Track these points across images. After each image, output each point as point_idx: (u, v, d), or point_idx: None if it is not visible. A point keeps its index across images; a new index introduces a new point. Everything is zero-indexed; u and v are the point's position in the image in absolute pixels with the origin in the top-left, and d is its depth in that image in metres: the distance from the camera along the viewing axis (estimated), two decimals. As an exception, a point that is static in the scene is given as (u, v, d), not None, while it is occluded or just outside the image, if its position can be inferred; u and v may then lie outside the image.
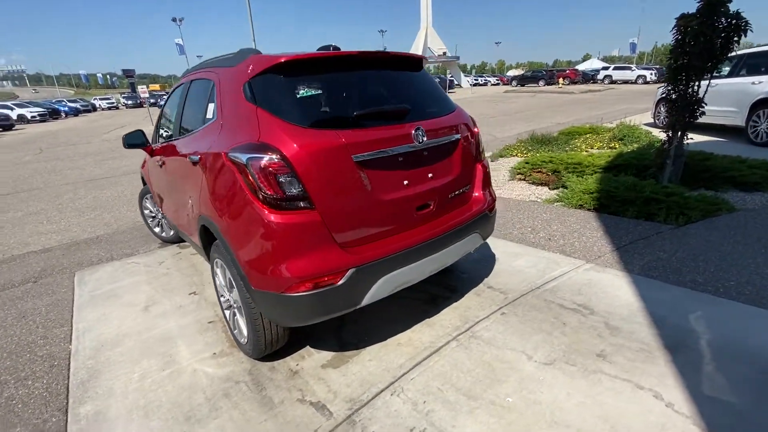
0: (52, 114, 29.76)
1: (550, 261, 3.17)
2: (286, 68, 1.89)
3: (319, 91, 1.93)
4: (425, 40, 48.86)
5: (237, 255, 1.86)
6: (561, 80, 33.96)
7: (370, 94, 2.14)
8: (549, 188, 5.40)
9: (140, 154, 4.00)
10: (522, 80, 38.99)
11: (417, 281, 2.11)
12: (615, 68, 35.66)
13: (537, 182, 5.62)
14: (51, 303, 3.15)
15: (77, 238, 4.64)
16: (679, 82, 4.39)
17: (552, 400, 1.79)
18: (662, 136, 4.76)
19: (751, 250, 3.06)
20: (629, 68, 34.54)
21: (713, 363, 1.93)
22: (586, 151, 7.06)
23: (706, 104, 4.42)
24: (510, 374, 1.98)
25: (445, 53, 47.78)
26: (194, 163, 2.24)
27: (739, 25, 3.89)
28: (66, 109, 33.31)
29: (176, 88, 3.19)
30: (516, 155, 7.37)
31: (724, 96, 7.28)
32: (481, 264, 3.20)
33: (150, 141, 3.45)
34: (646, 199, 4.04)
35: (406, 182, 2.00)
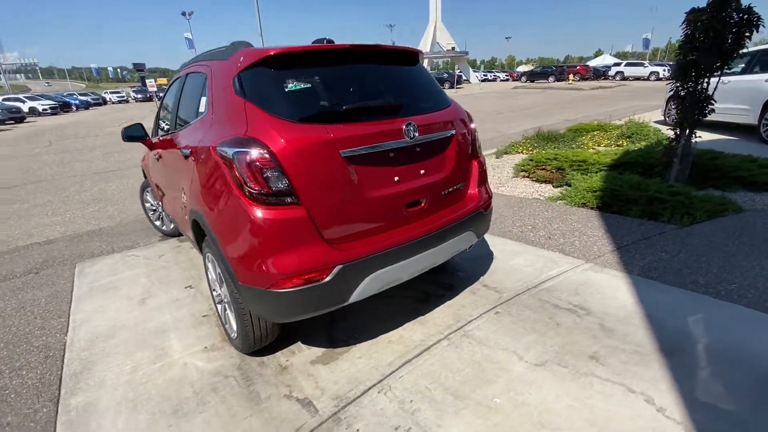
0: (63, 107, 30.12)
1: (548, 260, 3.13)
2: (275, 61, 1.86)
3: (309, 85, 1.90)
4: (434, 35, 48.45)
5: (224, 250, 1.86)
6: (571, 76, 33.46)
7: (362, 89, 2.11)
8: (553, 186, 5.32)
9: (145, 148, 4.01)
10: (531, 76, 38.52)
11: (407, 279, 2.09)
12: (627, 64, 35.06)
13: (541, 180, 5.54)
14: (50, 294, 3.19)
15: (80, 231, 4.69)
16: (687, 78, 4.28)
17: (540, 402, 1.76)
18: (671, 134, 4.66)
19: (757, 251, 2.98)
20: (642, 64, 33.93)
21: (709, 368, 1.88)
22: (593, 149, 6.96)
23: (715, 101, 4.31)
24: (499, 375, 1.95)
25: (453, 48, 47.36)
26: (186, 157, 2.23)
27: (751, 20, 3.77)
28: (77, 102, 33.70)
29: (174, 81, 3.19)
30: (521, 152, 7.28)
31: (737, 93, 7.11)
32: (478, 262, 3.17)
33: (149, 134, 3.46)
34: (650, 199, 3.96)
35: (396, 178, 1.97)
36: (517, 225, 3.93)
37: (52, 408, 1.97)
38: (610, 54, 72.90)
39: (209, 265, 2.33)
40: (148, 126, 3.67)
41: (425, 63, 48.89)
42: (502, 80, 51.63)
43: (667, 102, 9.07)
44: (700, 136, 4.57)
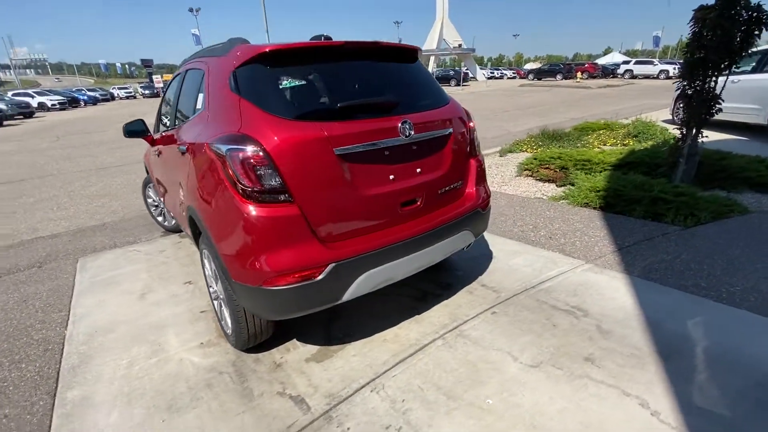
0: (72, 102, 30.40)
1: (548, 260, 3.10)
2: (271, 58, 1.85)
3: (304, 82, 1.89)
4: (441, 32, 48.13)
5: (218, 247, 1.86)
6: (579, 74, 33.10)
7: (359, 86, 2.09)
8: (556, 185, 5.28)
9: (147, 144, 4.03)
10: (539, 74, 38.17)
11: (402, 278, 2.08)
12: (636, 62, 34.60)
13: (544, 179, 5.50)
14: (52, 288, 3.23)
15: (84, 225, 4.74)
16: (695, 77, 4.21)
17: (533, 404, 1.75)
18: (678, 133, 4.60)
19: (761, 254, 2.93)
20: (651, 62, 33.47)
21: (706, 372, 1.86)
22: (598, 148, 6.88)
23: (723, 101, 4.23)
24: (493, 375, 1.94)
25: (460, 45, 47.02)
26: (183, 153, 2.24)
27: (761, 19, 3.70)
28: (85, 98, 33.99)
29: (174, 77, 3.19)
30: (526, 150, 7.23)
31: (747, 93, 6.99)
32: (477, 261, 3.15)
33: (150, 130, 3.47)
34: (654, 199, 3.91)
35: (392, 177, 1.96)
36: (518, 224, 3.90)
37: (49, 401, 1.99)
38: (620, 52, 71.97)
39: (206, 262, 2.34)
40: (150, 122, 3.68)
41: (432, 60, 48.70)
42: (509, 78, 51.26)
43: (676, 101, 8.91)
44: (707, 136, 4.49)
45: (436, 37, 48.31)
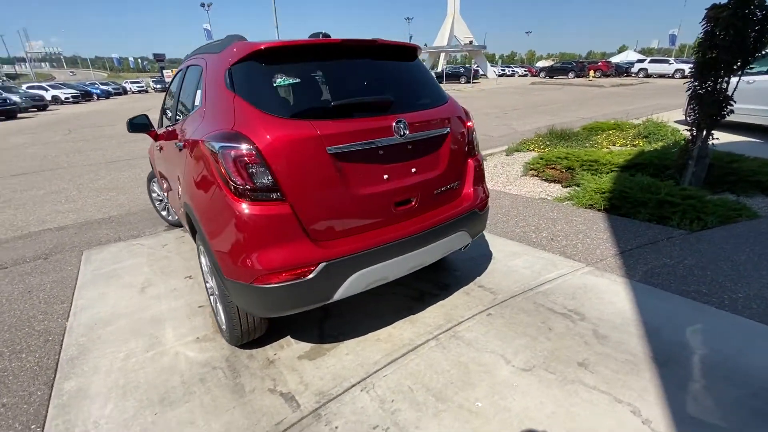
0: (85, 96, 30.84)
1: (547, 262, 3.06)
2: (266, 56, 1.85)
3: (298, 80, 1.88)
4: (451, 28, 47.76)
5: (211, 243, 1.87)
6: (591, 73, 32.60)
7: (354, 85, 2.08)
8: (562, 186, 5.22)
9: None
10: (551, 72, 37.69)
11: (395, 278, 2.07)
12: (651, 61, 33.95)
13: (550, 179, 5.44)
14: (56, 280, 3.28)
15: (91, 218, 4.81)
16: (706, 77, 4.11)
17: (523, 408, 1.73)
18: (689, 134, 4.50)
19: (767, 261, 2.86)
20: (666, 61, 32.81)
21: (702, 381, 1.82)
22: (607, 148, 6.78)
23: (735, 102, 4.13)
24: (484, 378, 1.92)
25: (471, 42, 46.60)
26: (180, 149, 2.25)
27: (776, 18, 3.59)
28: (98, 91, 34.44)
29: (177, 73, 3.21)
30: (533, 150, 7.15)
31: (762, 94, 6.82)
32: (476, 262, 3.13)
33: (154, 125, 3.50)
34: (661, 202, 3.84)
35: (386, 176, 1.94)
36: (520, 225, 3.86)
37: (46, 391, 2.03)
38: (635, 50, 70.76)
39: (202, 258, 2.36)
40: (155, 117, 3.72)
41: (442, 57, 48.37)
42: (520, 75, 50.73)
43: (689, 101, 8.76)
44: (717, 138, 4.39)
45: (447, 33, 47.96)
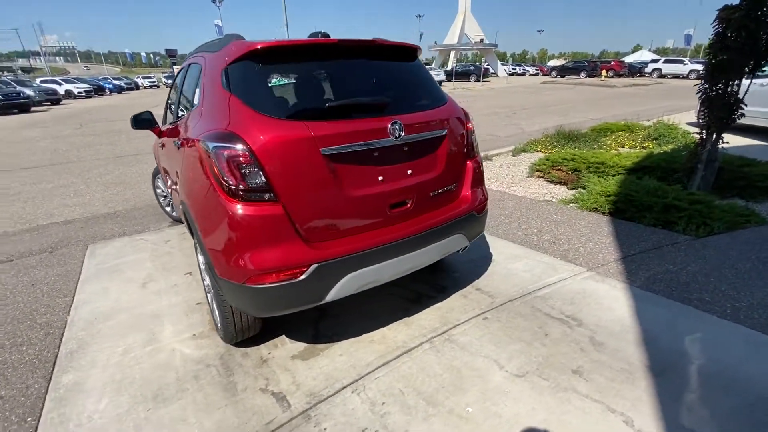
0: (97, 90, 31.22)
1: (548, 266, 3.03)
2: (262, 55, 1.85)
3: (294, 81, 1.88)
4: (462, 26, 47.42)
5: (205, 242, 1.88)
6: (604, 72, 32.09)
7: (351, 86, 2.07)
8: (567, 188, 5.16)
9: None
10: (562, 71, 37.20)
11: (390, 280, 2.06)
12: (665, 61, 33.36)
13: (555, 181, 5.38)
14: (60, 273, 3.33)
15: (97, 213, 4.87)
16: (717, 79, 4.02)
17: (513, 415, 1.71)
18: (698, 138, 4.42)
19: (774, 269, 2.80)
20: (681, 61, 32.20)
21: (699, 391, 1.79)
22: (615, 150, 6.68)
23: (746, 105, 4.04)
24: (477, 383, 1.91)
25: (482, 40, 46.24)
26: (178, 148, 2.26)
27: (789, 20, 3.50)
28: (110, 86, 34.85)
29: (179, 71, 3.23)
30: (540, 150, 7.07)
31: (776, 96, 6.65)
32: (475, 264, 3.10)
33: (158, 122, 3.52)
34: (667, 206, 3.78)
35: (381, 178, 1.93)
36: (523, 227, 3.82)
37: (44, 384, 2.06)
38: (649, 50, 69.56)
39: (199, 255, 2.37)
40: (159, 114, 3.75)
41: (452, 55, 48.06)
42: (531, 74, 50.19)
43: (702, 103, 8.59)
44: (727, 142, 4.30)
45: (458, 31, 47.64)
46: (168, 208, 4.43)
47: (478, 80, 34.05)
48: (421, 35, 59.80)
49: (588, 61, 38.72)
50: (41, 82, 27.41)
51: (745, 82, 3.96)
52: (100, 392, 1.99)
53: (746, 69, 3.80)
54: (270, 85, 1.83)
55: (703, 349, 2.05)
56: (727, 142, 4.30)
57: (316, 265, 1.75)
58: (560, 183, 5.34)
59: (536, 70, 52.42)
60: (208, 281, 2.33)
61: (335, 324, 2.44)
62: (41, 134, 11.76)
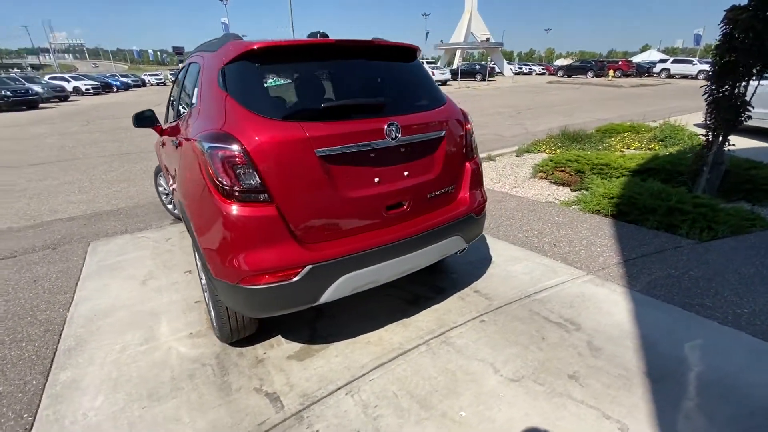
0: (105, 87, 31.47)
1: (547, 268, 3.01)
2: (259, 56, 1.84)
3: (290, 81, 1.88)
4: (468, 25, 47.19)
5: (199, 242, 1.88)
6: (611, 72, 31.82)
7: (348, 86, 2.05)
8: (570, 189, 5.12)
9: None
10: (569, 71, 36.90)
11: (385, 282, 2.05)
12: (674, 61, 32.98)
13: (558, 182, 5.34)
14: (62, 270, 3.36)
15: (101, 209, 4.91)
16: (723, 81, 3.96)
17: (507, 420, 1.70)
18: (704, 140, 4.36)
19: (778, 275, 2.75)
20: (690, 61, 31.81)
21: (697, 398, 1.76)
22: (620, 152, 6.61)
23: (753, 107, 3.98)
24: (471, 387, 1.89)
25: (488, 39, 46.00)
26: (176, 147, 2.27)
27: (799, 21, 3.43)
28: (117, 83, 35.09)
29: (180, 70, 3.24)
30: (544, 151, 7.02)
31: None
32: (474, 266, 3.08)
33: (160, 120, 3.53)
34: (671, 209, 3.73)
35: (377, 179, 1.92)
36: (524, 229, 3.80)
37: (41, 381, 2.08)
38: (658, 49, 68.86)
39: (196, 254, 2.37)
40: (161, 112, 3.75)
41: (458, 54, 47.88)
42: (537, 74, 49.86)
43: (708, 104, 8.48)
44: (734, 144, 4.24)
45: (464, 30, 47.42)
46: (170, 206, 4.45)
47: (483, 79, 33.88)
48: (427, 34, 59.68)
49: (595, 61, 38.41)
50: (50, 78, 27.69)
51: (753, 83, 3.90)
52: (96, 390, 2.00)
53: (753, 70, 3.73)
54: (266, 85, 1.82)
55: (703, 356, 2.02)
56: (734, 145, 4.24)
57: (310, 266, 1.75)
58: (563, 184, 5.30)
59: (543, 69, 52.09)
60: (204, 280, 2.34)
61: (332, 324, 2.44)
62: (49, 131, 11.87)
